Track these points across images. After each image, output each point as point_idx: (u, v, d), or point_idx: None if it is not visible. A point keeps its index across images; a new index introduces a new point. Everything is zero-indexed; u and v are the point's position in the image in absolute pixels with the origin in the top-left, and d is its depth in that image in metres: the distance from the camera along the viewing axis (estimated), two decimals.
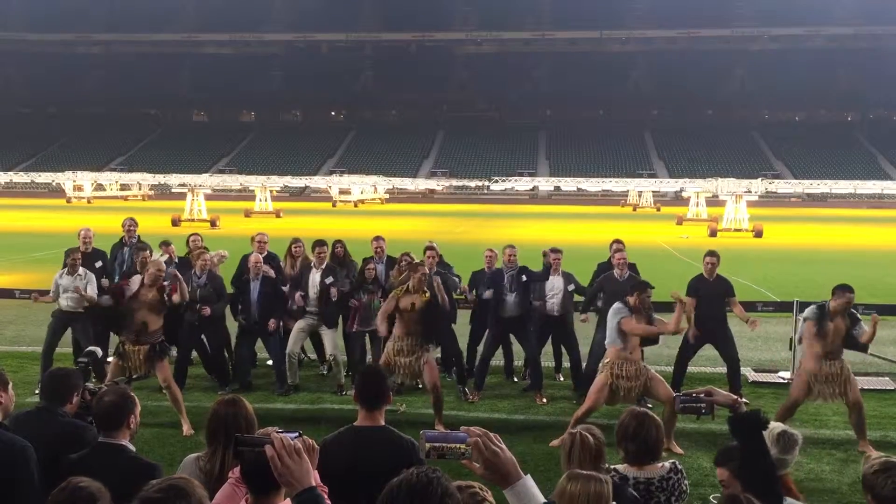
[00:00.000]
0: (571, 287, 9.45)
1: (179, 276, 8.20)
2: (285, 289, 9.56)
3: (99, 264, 9.52)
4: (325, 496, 2.25)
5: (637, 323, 7.32)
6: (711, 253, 9.32)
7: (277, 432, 2.22)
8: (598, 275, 9.60)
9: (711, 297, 9.00)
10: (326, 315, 9.26)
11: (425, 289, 8.03)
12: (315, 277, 9.28)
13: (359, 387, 4.07)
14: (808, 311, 7.58)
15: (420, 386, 8.70)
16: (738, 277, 13.66)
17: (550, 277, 9.37)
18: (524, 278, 9.11)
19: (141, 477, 2.82)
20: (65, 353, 9.34)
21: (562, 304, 9.39)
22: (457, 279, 9.85)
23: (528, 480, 2.13)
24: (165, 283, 7.98)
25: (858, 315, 7.58)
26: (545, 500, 2.15)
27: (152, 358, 7.78)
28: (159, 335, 7.93)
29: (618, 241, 9.81)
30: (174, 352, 8.87)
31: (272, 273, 9.60)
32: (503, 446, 2.14)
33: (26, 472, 3.54)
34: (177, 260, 10.03)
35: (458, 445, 2.09)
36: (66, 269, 9.00)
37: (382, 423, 3.97)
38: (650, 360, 9.69)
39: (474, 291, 9.75)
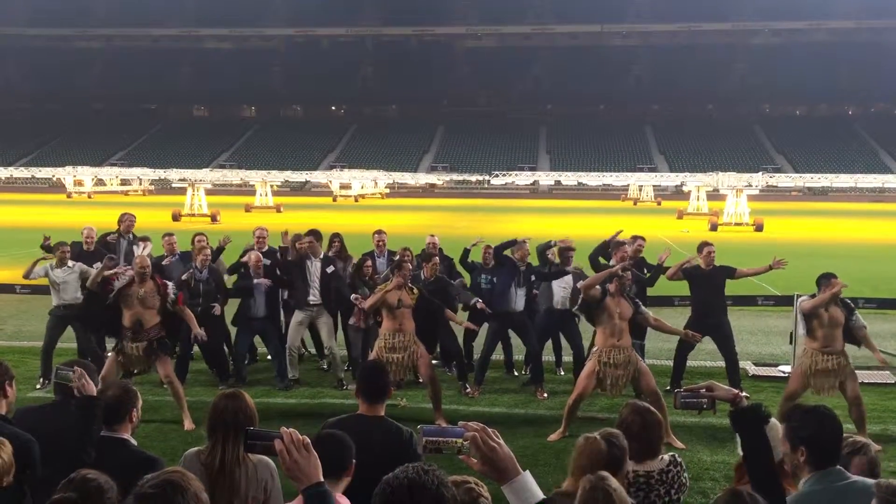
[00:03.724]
0: (580, 284, 9.40)
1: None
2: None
3: (98, 265, 9.44)
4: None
5: (614, 306, 7.53)
6: (708, 242, 9.35)
7: None
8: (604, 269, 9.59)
9: (711, 287, 9.00)
10: (330, 303, 9.24)
11: (411, 286, 8.05)
12: (315, 266, 9.26)
13: (360, 381, 4.16)
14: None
15: (421, 380, 8.68)
16: None
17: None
18: (532, 277, 9.15)
19: (142, 470, 2.81)
20: (65, 348, 9.35)
21: (570, 299, 9.37)
22: (463, 291, 9.60)
23: (527, 476, 2.10)
24: (171, 290, 7.92)
25: (853, 306, 7.66)
26: (543, 497, 2.11)
27: (151, 354, 7.69)
28: (158, 331, 7.77)
29: (619, 239, 9.83)
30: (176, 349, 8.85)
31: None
32: (501, 441, 2.11)
33: (29, 467, 3.55)
34: (178, 253, 10.00)
35: (454, 440, 2.08)
36: (55, 263, 9.04)
37: (382, 415, 4.07)
38: (650, 353, 9.73)
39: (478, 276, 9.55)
